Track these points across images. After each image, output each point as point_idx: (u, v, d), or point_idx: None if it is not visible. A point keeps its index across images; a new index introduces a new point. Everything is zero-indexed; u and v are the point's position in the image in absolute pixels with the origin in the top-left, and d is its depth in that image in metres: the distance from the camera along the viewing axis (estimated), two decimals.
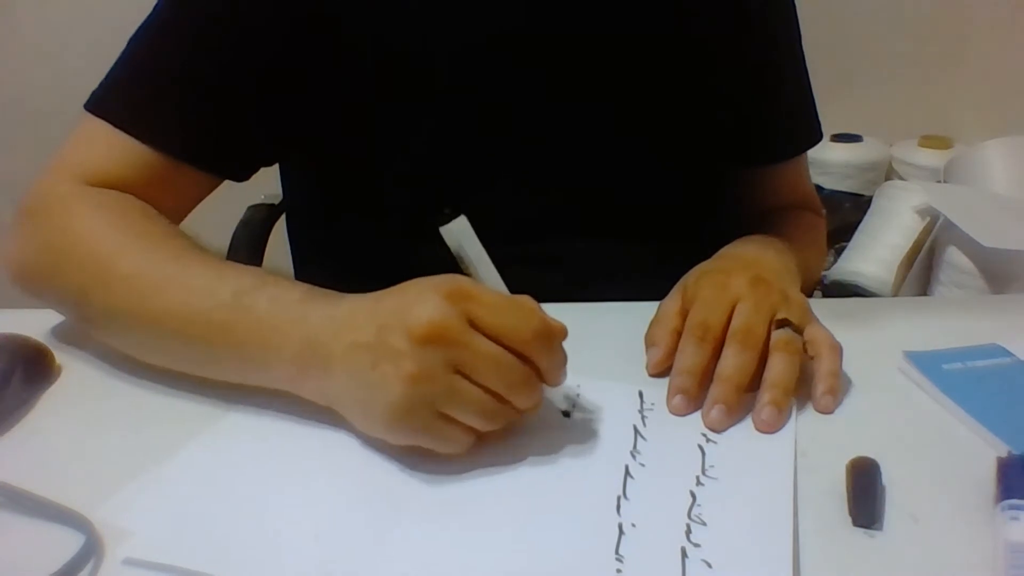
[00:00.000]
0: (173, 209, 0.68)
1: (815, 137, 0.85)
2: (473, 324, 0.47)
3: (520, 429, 0.53)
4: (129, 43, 0.67)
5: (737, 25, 0.75)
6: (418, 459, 0.49)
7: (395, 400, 0.46)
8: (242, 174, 0.71)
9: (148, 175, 0.65)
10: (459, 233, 0.50)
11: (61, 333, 0.64)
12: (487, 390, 0.47)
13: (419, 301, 0.47)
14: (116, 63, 0.67)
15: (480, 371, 0.47)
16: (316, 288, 0.54)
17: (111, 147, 0.65)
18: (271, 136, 0.71)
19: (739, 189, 0.84)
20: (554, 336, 0.49)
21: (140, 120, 0.65)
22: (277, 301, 0.53)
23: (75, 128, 0.67)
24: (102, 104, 0.66)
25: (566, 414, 0.54)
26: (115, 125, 0.65)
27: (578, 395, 0.56)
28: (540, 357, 0.48)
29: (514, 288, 0.69)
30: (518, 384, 0.48)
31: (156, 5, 0.67)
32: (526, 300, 0.50)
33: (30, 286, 0.62)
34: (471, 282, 0.49)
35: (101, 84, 0.67)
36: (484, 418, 0.48)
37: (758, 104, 0.78)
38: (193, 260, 0.57)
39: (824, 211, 0.91)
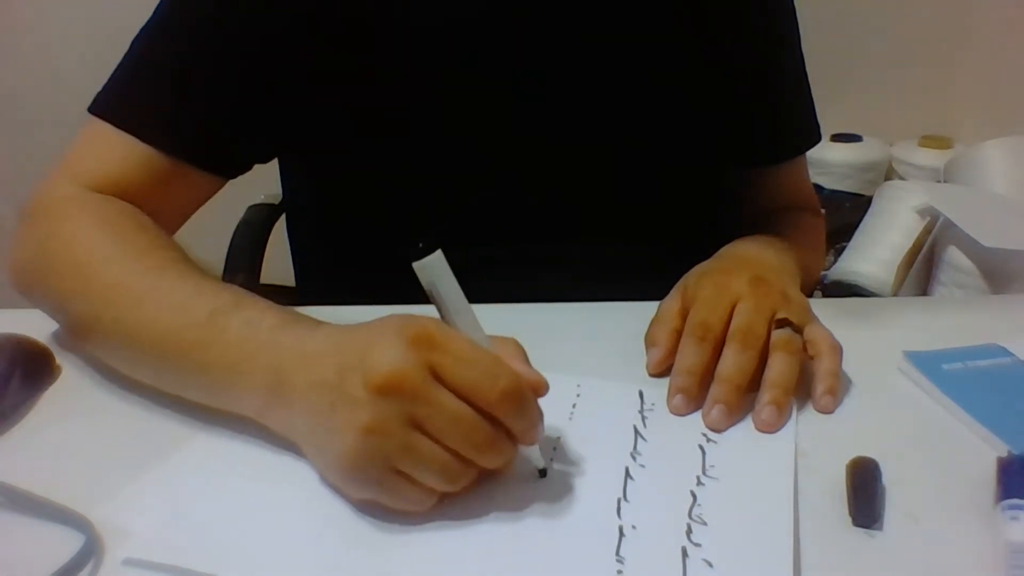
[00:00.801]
0: (175, 210, 0.68)
1: (814, 138, 0.85)
2: (436, 375, 0.43)
3: None
4: (131, 45, 0.68)
5: (737, 26, 0.75)
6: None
7: (347, 451, 0.43)
8: (243, 170, 0.72)
9: (150, 176, 0.65)
10: (433, 270, 0.44)
11: (61, 333, 0.64)
12: (449, 449, 0.43)
13: (381, 345, 0.43)
14: (119, 65, 0.68)
15: (439, 429, 0.43)
16: (296, 314, 0.51)
17: (113, 149, 0.65)
18: (272, 136, 0.71)
19: (739, 189, 0.84)
20: (524, 395, 0.44)
21: (141, 121, 0.65)
22: (250, 325, 0.50)
23: (79, 131, 0.67)
24: (104, 106, 0.66)
25: (542, 473, 0.48)
26: (116, 126, 0.65)
27: (555, 448, 0.51)
28: (509, 418, 0.44)
29: (515, 288, 0.69)
30: (481, 445, 0.44)
31: (157, 7, 0.68)
32: (507, 347, 0.47)
33: (22, 288, 0.62)
34: (441, 327, 0.45)
35: (104, 87, 0.67)
36: (443, 479, 0.44)
37: (758, 105, 0.78)
38: (174, 274, 0.55)
39: (823, 211, 0.91)
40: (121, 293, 0.55)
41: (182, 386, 0.54)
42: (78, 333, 0.60)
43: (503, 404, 0.43)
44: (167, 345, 0.52)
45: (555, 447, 0.51)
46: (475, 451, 0.44)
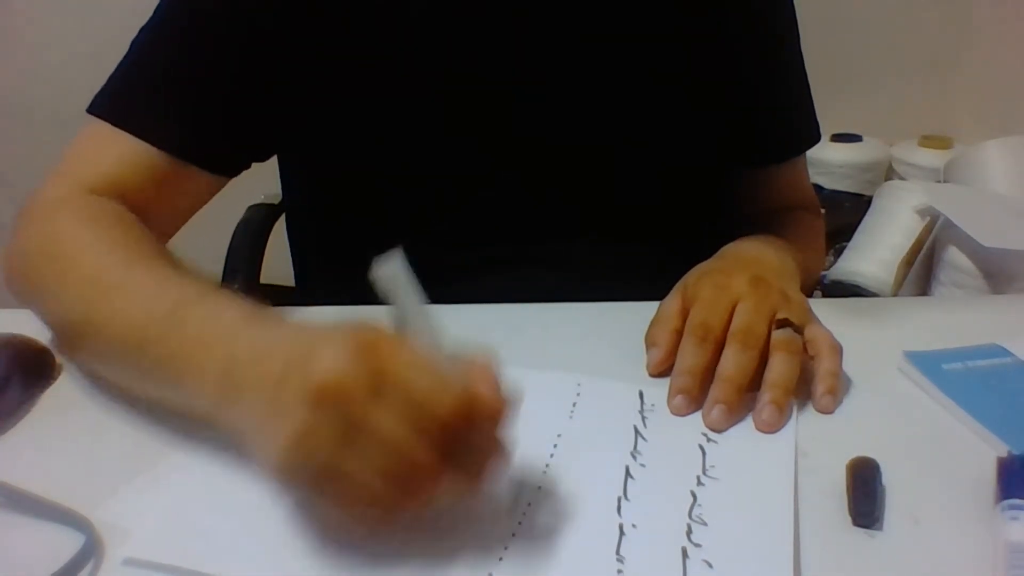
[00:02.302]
0: (174, 211, 0.68)
1: (814, 137, 0.85)
2: (378, 388, 0.38)
3: (520, 430, 0.53)
4: (131, 45, 0.68)
5: (737, 26, 0.75)
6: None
7: (275, 456, 0.40)
8: (241, 169, 0.72)
9: (148, 176, 0.65)
10: (390, 274, 0.40)
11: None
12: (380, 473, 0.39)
13: (327, 348, 0.39)
14: (118, 66, 0.68)
15: (369, 451, 0.38)
16: (261, 308, 0.48)
17: (111, 149, 0.65)
18: (271, 135, 0.71)
19: (739, 189, 0.84)
20: (478, 417, 0.39)
21: (139, 120, 0.65)
22: (210, 318, 0.48)
23: (78, 131, 0.67)
24: (102, 106, 0.66)
25: (514, 518, 0.44)
26: (115, 125, 0.65)
27: (528, 505, 0.46)
28: (452, 445, 0.39)
29: (515, 288, 0.69)
30: (415, 478, 0.39)
31: (157, 7, 0.68)
32: (477, 365, 0.41)
33: (11, 287, 0.62)
34: (394, 335, 0.41)
35: (103, 87, 0.67)
36: (372, 506, 0.40)
37: (758, 104, 0.78)
38: (144, 267, 0.54)
39: (823, 211, 0.91)
40: (93, 287, 0.54)
41: (143, 381, 0.52)
42: (56, 331, 0.60)
43: (445, 428, 0.39)
44: (129, 339, 0.51)
45: (538, 487, 0.47)
46: (404, 483, 0.39)
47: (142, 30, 0.68)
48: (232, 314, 0.48)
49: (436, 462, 0.39)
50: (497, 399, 0.40)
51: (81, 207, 0.62)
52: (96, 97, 0.67)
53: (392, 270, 0.41)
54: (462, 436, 0.39)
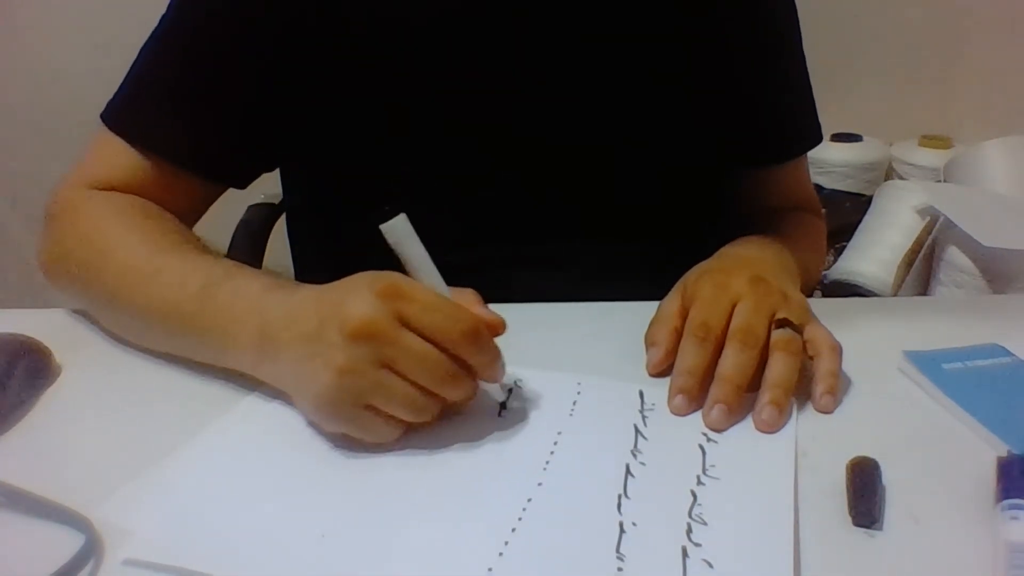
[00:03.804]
0: (179, 215, 0.69)
1: (815, 138, 0.85)
2: (404, 322, 0.48)
3: (520, 428, 0.53)
4: (139, 54, 0.69)
5: (738, 26, 0.75)
6: (423, 458, 0.50)
7: (323, 390, 0.49)
8: (242, 181, 0.74)
9: (153, 183, 0.68)
10: (398, 232, 0.51)
11: (61, 333, 0.64)
12: (415, 384, 0.49)
13: (353, 298, 0.49)
14: (127, 75, 0.70)
15: (407, 367, 0.48)
16: (280, 279, 0.57)
17: (118, 156, 0.68)
18: (274, 143, 0.72)
19: (739, 190, 0.84)
20: (483, 334, 0.50)
21: (143, 130, 0.68)
22: (238, 293, 0.56)
23: (94, 134, 0.70)
24: (112, 117, 0.69)
25: (503, 406, 0.55)
26: (120, 135, 0.68)
27: (515, 385, 0.57)
28: (469, 354, 0.50)
29: (515, 288, 0.69)
30: (444, 379, 0.49)
31: (163, 16, 0.68)
32: (466, 295, 0.52)
33: (51, 280, 0.67)
34: (406, 280, 0.50)
35: (113, 96, 0.70)
36: (411, 411, 0.49)
37: (759, 105, 0.78)
38: (175, 254, 0.61)
39: (824, 212, 0.91)
40: (131, 275, 0.60)
41: (189, 351, 0.59)
42: (99, 313, 0.65)
43: (464, 343, 0.49)
44: (170, 318, 0.58)
45: (513, 387, 0.57)
46: (439, 384, 0.49)
47: (150, 38, 0.69)
48: (258, 286, 0.56)
49: (457, 367, 0.49)
50: (495, 315, 0.52)
51: (106, 203, 0.66)
52: (107, 105, 0.69)
53: (399, 226, 0.50)
54: (476, 349, 0.50)
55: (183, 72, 0.68)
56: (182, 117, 0.68)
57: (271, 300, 0.54)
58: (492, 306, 0.67)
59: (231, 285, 0.57)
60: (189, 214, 0.71)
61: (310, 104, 0.69)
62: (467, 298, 0.52)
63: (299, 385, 0.52)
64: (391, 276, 0.50)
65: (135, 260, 0.61)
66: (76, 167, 0.70)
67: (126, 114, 0.69)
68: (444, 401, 0.51)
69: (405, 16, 0.68)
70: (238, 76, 0.68)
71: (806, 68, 0.82)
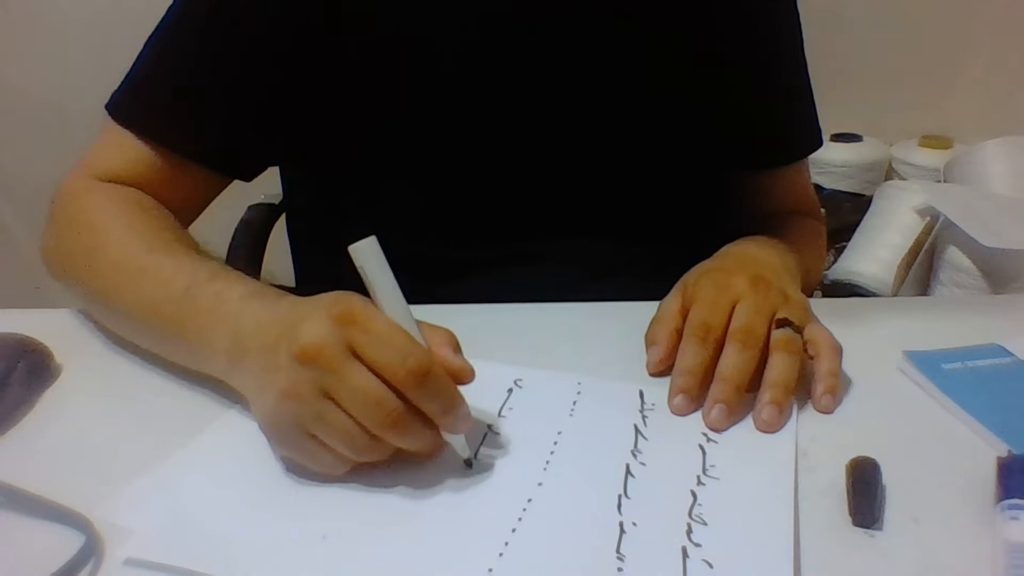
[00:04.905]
0: (182, 207, 0.70)
1: (816, 142, 0.85)
2: (354, 351, 0.45)
3: (520, 428, 0.53)
4: (145, 45, 0.69)
5: (740, 28, 0.74)
6: (423, 459, 0.49)
7: (268, 409, 0.47)
8: (249, 174, 0.73)
9: (157, 174, 0.68)
10: (365, 254, 0.47)
11: (61, 333, 0.64)
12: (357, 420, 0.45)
13: (309, 319, 0.46)
14: (133, 65, 0.70)
15: (347, 401, 0.45)
16: (263, 287, 0.56)
17: (123, 147, 0.68)
18: (278, 136, 0.71)
19: (740, 192, 0.84)
20: (435, 377, 0.45)
21: (149, 121, 0.68)
22: (220, 296, 0.55)
23: (101, 125, 0.70)
24: (116, 106, 0.69)
25: (468, 463, 0.49)
26: (124, 125, 0.68)
27: (484, 437, 0.52)
28: (417, 397, 0.45)
29: (515, 287, 0.69)
30: (384, 421, 0.45)
31: (169, 7, 0.68)
32: (438, 335, 0.48)
33: (49, 270, 0.67)
34: (366, 307, 0.46)
35: (119, 87, 0.69)
36: (350, 448, 0.46)
37: (760, 108, 0.78)
38: (165, 253, 0.60)
39: (824, 212, 0.91)
40: (121, 272, 0.60)
41: (169, 352, 0.59)
42: (93, 308, 0.66)
43: (411, 382, 0.44)
44: (154, 317, 0.58)
45: (484, 436, 0.52)
46: (378, 426, 0.45)
47: (156, 29, 0.69)
48: (237, 292, 0.55)
49: (402, 409, 0.45)
50: (461, 362, 0.47)
51: (106, 196, 0.66)
52: (112, 96, 0.69)
53: (367, 249, 0.47)
54: (426, 392, 0.45)
55: (190, 63, 0.68)
56: (188, 108, 0.68)
57: (249, 307, 0.53)
58: (493, 306, 0.68)
59: (214, 288, 0.55)
60: (192, 207, 0.71)
61: (315, 101, 0.69)
62: (438, 337, 0.48)
63: (253, 399, 0.50)
64: (352, 300, 0.47)
65: (126, 257, 0.61)
66: (81, 158, 0.70)
67: (132, 105, 0.68)
68: (388, 446, 0.47)
69: (405, 17, 0.68)
70: (246, 69, 0.68)
71: (807, 72, 0.81)
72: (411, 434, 0.46)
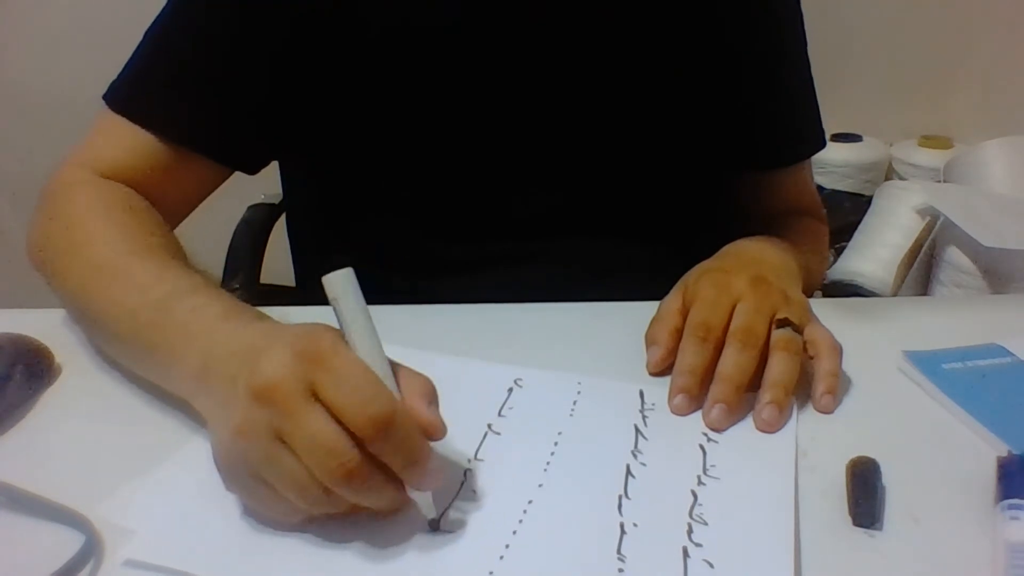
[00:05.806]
0: (181, 200, 0.69)
1: (819, 143, 0.84)
2: (315, 392, 0.41)
3: (520, 429, 0.53)
4: (144, 36, 0.69)
5: (742, 29, 0.74)
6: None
7: (220, 447, 0.44)
8: (251, 166, 0.73)
9: (156, 164, 0.67)
10: (339, 286, 0.43)
11: (61, 333, 0.64)
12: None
13: (271, 352, 0.42)
14: (132, 56, 0.69)
15: (300, 446, 0.40)
16: (243, 307, 0.52)
17: (122, 137, 0.67)
18: (278, 128, 0.71)
19: (742, 193, 0.84)
20: (400, 427, 0.41)
21: (149, 110, 0.67)
22: (196, 311, 0.51)
23: (95, 116, 0.69)
24: (115, 97, 0.68)
25: (433, 525, 0.44)
26: (123, 115, 0.67)
27: (451, 503, 0.47)
28: (378, 449, 0.41)
29: (515, 286, 0.69)
30: (337, 473, 0.40)
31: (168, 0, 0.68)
32: (415, 382, 0.44)
33: (34, 264, 0.65)
34: (335, 343, 0.42)
35: (117, 77, 0.69)
36: (301, 498, 0.41)
37: (762, 109, 0.78)
38: (147, 257, 0.58)
39: (826, 216, 0.91)
40: (97, 272, 0.58)
41: (137, 364, 0.56)
42: (66, 307, 0.63)
43: (371, 431, 0.40)
44: (125, 324, 0.54)
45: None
46: (330, 478, 0.40)
47: (156, 20, 0.69)
48: (216, 310, 0.51)
49: (359, 461, 0.40)
50: (432, 416, 0.43)
51: (96, 193, 0.64)
52: (110, 86, 0.68)
53: (342, 281, 0.43)
54: (388, 443, 0.41)
55: (191, 53, 0.67)
56: (189, 98, 0.67)
57: (224, 329, 0.49)
58: (493, 306, 0.68)
59: (192, 302, 0.52)
60: (186, 202, 0.71)
61: (316, 95, 0.69)
62: (413, 385, 0.44)
63: (210, 430, 0.47)
64: (320, 335, 0.42)
65: (104, 258, 0.58)
66: (76, 148, 0.68)
67: (131, 95, 0.67)
68: (343, 500, 0.42)
69: (405, 16, 0.68)
70: (247, 59, 0.67)
71: (810, 73, 0.81)
72: (367, 489, 0.41)
